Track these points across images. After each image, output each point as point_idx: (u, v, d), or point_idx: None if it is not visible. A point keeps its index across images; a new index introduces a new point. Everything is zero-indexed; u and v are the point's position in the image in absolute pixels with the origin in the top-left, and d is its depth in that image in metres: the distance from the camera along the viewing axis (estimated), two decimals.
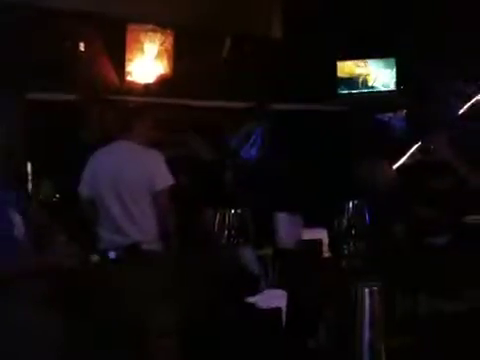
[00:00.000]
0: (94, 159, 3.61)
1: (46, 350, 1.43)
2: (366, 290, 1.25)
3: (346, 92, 6.56)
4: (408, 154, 5.45)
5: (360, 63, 6.49)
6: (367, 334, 1.26)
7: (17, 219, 2.38)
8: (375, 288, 1.25)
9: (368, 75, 6.49)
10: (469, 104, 5.82)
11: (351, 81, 6.54)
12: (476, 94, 5.79)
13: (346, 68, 6.56)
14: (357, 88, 6.53)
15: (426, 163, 3.97)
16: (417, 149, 4.80)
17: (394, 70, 6.34)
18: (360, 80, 6.51)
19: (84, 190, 3.58)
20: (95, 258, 2.54)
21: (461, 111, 5.87)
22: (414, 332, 1.48)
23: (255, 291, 1.50)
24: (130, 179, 3.48)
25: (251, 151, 6.04)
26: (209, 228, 1.82)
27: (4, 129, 2.89)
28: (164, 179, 3.51)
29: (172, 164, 3.77)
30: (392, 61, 6.36)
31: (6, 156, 2.51)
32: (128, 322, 1.58)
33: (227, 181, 4.51)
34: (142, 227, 3.49)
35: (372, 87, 6.49)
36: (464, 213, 3.36)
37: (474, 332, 1.51)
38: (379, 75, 6.44)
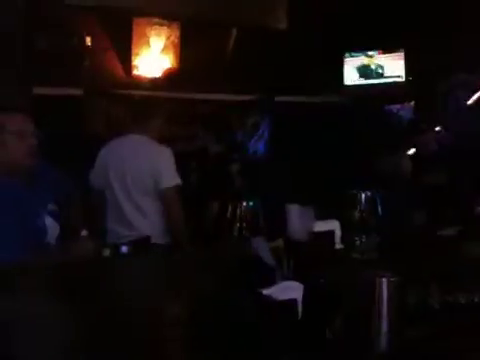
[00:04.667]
0: (105, 151, 3.63)
1: (57, 342, 1.43)
2: (383, 280, 1.25)
3: (353, 83, 6.54)
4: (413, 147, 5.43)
5: (368, 54, 6.46)
6: (384, 324, 1.27)
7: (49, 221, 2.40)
8: (392, 278, 1.25)
9: (376, 66, 6.47)
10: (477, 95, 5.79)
11: (358, 72, 6.52)
12: None
13: (353, 59, 6.54)
14: (364, 79, 6.51)
15: (420, 158, 3.98)
16: (413, 144, 4.79)
17: (403, 61, 6.31)
18: (368, 71, 6.49)
19: (94, 181, 3.60)
20: (106, 252, 2.54)
21: (469, 102, 5.84)
22: (428, 322, 1.48)
23: (270, 283, 1.50)
24: (137, 173, 3.47)
25: (258, 144, 6.04)
26: (218, 221, 1.82)
27: None
28: (170, 178, 3.45)
29: (181, 159, 3.74)
30: (401, 52, 6.33)
31: None
32: (141, 314, 1.58)
33: (234, 175, 4.49)
34: (150, 221, 3.48)
35: (380, 78, 6.46)
36: (472, 206, 3.35)
37: None
38: (387, 66, 6.41)
